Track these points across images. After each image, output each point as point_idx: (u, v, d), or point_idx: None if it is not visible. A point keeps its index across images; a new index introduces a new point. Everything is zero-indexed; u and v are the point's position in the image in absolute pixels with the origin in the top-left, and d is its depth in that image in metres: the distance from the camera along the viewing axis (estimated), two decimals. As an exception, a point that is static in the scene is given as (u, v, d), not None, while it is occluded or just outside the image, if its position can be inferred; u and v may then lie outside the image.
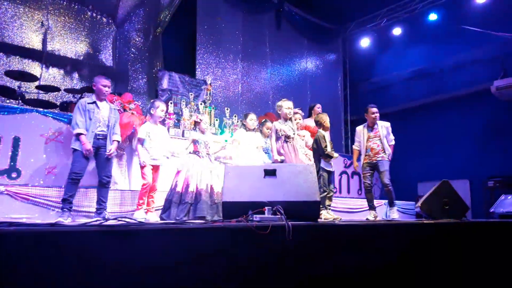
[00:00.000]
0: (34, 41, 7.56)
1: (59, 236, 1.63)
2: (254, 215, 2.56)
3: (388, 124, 5.44)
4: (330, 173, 5.04)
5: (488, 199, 7.59)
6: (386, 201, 7.81)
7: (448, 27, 9.46)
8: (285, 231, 2.16)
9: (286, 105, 4.92)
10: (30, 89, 6.98)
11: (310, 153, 5.45)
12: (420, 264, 2.94)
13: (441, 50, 9.74)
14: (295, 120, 5.43)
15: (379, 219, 5.32)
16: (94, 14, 8.32)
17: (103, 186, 4.19)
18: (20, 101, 6.18)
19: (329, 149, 4.97)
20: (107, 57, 8.44)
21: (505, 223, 4.26)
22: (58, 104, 6.87)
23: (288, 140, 4.88)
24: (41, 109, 5.12)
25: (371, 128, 5.37)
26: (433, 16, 9.89)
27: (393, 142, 5.36)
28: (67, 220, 3.81)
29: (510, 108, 8.31)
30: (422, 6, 9.99)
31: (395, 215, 5.22)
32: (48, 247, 1.58)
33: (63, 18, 7.90)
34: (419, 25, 10.30)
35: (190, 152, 5.01)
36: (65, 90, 7.31)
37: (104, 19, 8.45)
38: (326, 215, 4.80)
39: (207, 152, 5.05)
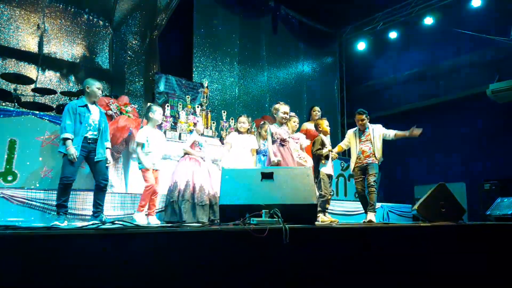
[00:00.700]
0: (30, 43, 7.54)
1: (56, 240, 1.62)
2: (251, 218, 2.55)
3: (379, 125, 5.40)
4: (330, 177, 5.10)
5: (485, 202, 7.61)
6: (383, 204, 7.90)
7: (443, 31, 9.51)
8: (282, 234, 2.16)
9: (282, 109, 4.93)
10: (26, 91, 6.96)
11: (305, 155, 5.49)
12: (417, 266, 2.94)
13: (437, 53, 9.80)
14: (294, 122, 5.47)
15: (376, 222, 5.32)
16: (91, 17, 8.31)
17: (100, 189, 4.14)
18: (16, 104, 6.15)
19: (322, 150, 5.07)
20: (103, 60, 8.43)
21: (501, 225, 4.28)
22: (54, 107, 6.86)
23: (284, 143, 4.89)
24: (37, 112, 5.10)
25: (362, 131, 5.36)
26: (429, 20, 9.94)
27: (395, 131, 5.30)
28: (63, 224, 3.78)
29: (505, 111, 8.36)
30: (418, 10, 10.04)
31: (373, 218, 5.08)
32: (45, 250, 1.57)
33: (60, 20, 7.89)
34: (415, 28, 10.35)
35: (186, 154, 5.05)
36: (61, 93, 7.29)
37: (101, 22, 8.44)
38: (323, 218, 4.82)
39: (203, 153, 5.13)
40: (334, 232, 2.75)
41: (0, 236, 1.53)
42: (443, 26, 9.60)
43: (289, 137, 4.99)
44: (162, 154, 4.96)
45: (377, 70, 11.26)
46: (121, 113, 5.45)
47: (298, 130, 6.15)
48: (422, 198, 4.93)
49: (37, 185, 4.75)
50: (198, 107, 7.17)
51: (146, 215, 4.58)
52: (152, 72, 8.31)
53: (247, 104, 9.70)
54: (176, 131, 6.37)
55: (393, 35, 10.81)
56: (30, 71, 7.47)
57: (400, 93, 10.57)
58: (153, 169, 4.68)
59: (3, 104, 6.37)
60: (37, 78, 7.34)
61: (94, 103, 4.23)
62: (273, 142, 4.84)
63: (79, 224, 4.12)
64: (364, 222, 5.17)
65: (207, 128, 6.91)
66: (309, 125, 6.41)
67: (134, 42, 8.60)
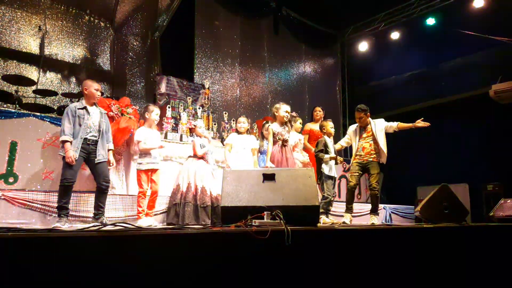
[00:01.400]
0: (31, 45, 7.54)
1: (57, 242, 1.61)
2: (253, 220, 2.54)
3: (381, 120, 5.29)
4: (333, 179, 5.08)
5: (488, 203, 7.58)
6: (385, 205, 7.87)
7: (446, 32, 9.48)
8: (284, 236, 2.14)
9: (284, 109, 4.91)
10: (27, 93, 6.97)
11: (307, 159, 5.51)
12: (420, 268, 2.92)
13: (439, 54, 9.76)
14: (300, 124, 5.49)
15: (378, 224, 5.27)
16: (92, 19, 8.31)
17: (102, 191, 4.13)
18: (17, 106, 6.15)
19: (332, 154, 5.05)
20: (104, 62, 8.43)
21: (504, 226, 4.25)
22: (56, 108, 6.86)
23: (285, 144, 4.88)
24: (38, 114, 5.09)
25: (363, 128, 5.24)
26: (430, 21, 9.91)
27: (398, 122, 5.22)
28: (64, 226, 3.77)
29: (508, 111, 8.32)
30: (420, 11, 10.02)
31: (373, 220, 5.00)
32: (46, 252, 1.55)
33: (61, 22, 7.89)
34: (417, 29, 10.31)
35: (189, 156, 5.06)
36: (63, 94, 7.30)
37: (102, 24, 8.44)
38: (325, 220, 4.80)
39: (204, 156, 5.11)
40: (337, 234, 2.72)
41: (1, 238, 1.52)
42: (445, 26, 9.56)
43: (289, 137, 4.99)
44: (160, 154, 4.96)
45: (379, 71, 11.23)
46: (122, 114, 5.44)
47: (301, 130, 6.16)
48: (425, 199, 4.90)
49: (38, 186, 4.74)
50: (199, 108, 7.16)
51: (144, 216, 4.59)
52: (153, 74, 8.31)
53: (249, 105, 9.68)
54: (177, 132, 6.36)
55: (395, 35, 10.77)
56: (31, 72, 7.48)
57: (402, 94, 10.53)
58: (153, 169, 4.68)
59: (5, 105, 6.37)
60: (38, 79, 7.34)
61: (94, 104, 4.23)
62: (275, 142, 4.82)
63: (80, 226, 4.11)
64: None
65: (208, 129, 6.89)
66: (312, 126, 6.42)
67: (135, 44, 8.60)
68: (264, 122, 5.79)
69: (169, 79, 7.57)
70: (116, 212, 4.71)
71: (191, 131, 5.22)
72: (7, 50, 7.24)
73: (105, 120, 4.28)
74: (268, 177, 3.02)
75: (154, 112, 4.83)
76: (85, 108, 4.11)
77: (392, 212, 7.81)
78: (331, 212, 5.06)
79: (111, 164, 4.25)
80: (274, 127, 4.87)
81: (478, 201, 8.24)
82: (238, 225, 2.46)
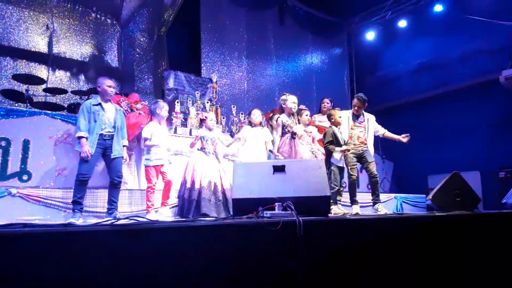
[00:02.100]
0: (40, 44, 7.61)
1: (72, 236, 1.64)
2: (265, 211, 2.55)
3: (372, 115, 5.22)
4: (341, 169, 5.02)
5: (500, 190, 7.51)
6: (396, 194, 7.84)
7: (454, 18, 9.35)
8: (296, 226, 2.15)
9: (291, 100, 4.88)
10: (37, 92, 7.04)
11: (317, 149, 5.45)
12: (433, 256, 2.92)
13: (448, 41, 9.63)
14: (306, 116, 5.44)
15: (389, 213, 5.26)
16: (98, 16, 8.35)
17: (114, 186, 4.20)
18: (28, 104, 6.22)
19: (342, 144, 4.97)
20: (112, 58, 8.48)
21: (517, 213, 4.21)
22: (66, 106, 6.92)
23: (294, 136, 4.85)
24: (49, 112, 5.15)
25: (356, 117, 5.14)
26: (438, 8, 9.78)
27: (385, 130, 5.18)
28: (78, 221, 3.83)
29: (519, 98, 8.22)
30: (427, -3, 9.90)
31: (384, 209, 4.95)
32: (62, 247, 1.58)
33: (68, 20, 7.94)
34: (424, 17, 10.20)
35: (198, 149, 5.05)
36: (72, 92, 7.36)
37: (109, 20, 8.48)
38: (336, 210, 4.79)
39: (214, 149, 5.08)
40: (348, 224, 2.73)
41: (18, 233, 1.55)
42: (453, 13, 9.44)
43: (296, 129, 4.96)
44: (168, 150, 4.98)
45: (387, 59, 11.12)
46: (131, 110, 5.49)
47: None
48: (436, 187, 4.87)
49: (52, 183, 4.81)
50: (207, 102, 7.18)
51: (156, 211, 4.62)
52: (161, 69, 8.34)
53: (256, 98, 9.67)
54: (186, 127, 6.39)
55: (402, 24, 10.66)
56: (41, 71, 7.55)
57: (411, 82, 10.44)
58: (160, 165, 4.71)
59: (16, 105, 6.45)
60: (47, 78, 7.41)
61: (108, 101, 4.28)
62: (283, 134, 4.80)
63: (93, 221, 4.17)
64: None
65: (217, 123, 6.91)
66: (319, 118, 6.38)
67: (142, 40, 8.63)
68: (272, 114, 5.77)
69: (176, 74, 7.60)
70: (129, 206, 4.76)
71: (202, 121, 5.20)
72: (16, 49, 7.32)
73: (121, 117, 4.34)
74: (278, 168, 3.02)
75: (164, 108, 4.85)
76: (99, 104, 4.17)
77: (403, 202, 7.77)
78: (341, 203, 5.04)
79: (124, 160, 4.32)
80: (283, 118, 4.84)
81: (490, 189, 8.18)
82: (250, 216, 2.47)
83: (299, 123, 5.23)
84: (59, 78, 7.83)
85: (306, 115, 5.51)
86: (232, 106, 7.50)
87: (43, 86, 7.00)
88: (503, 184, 7.65)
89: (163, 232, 1.90)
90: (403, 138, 5.02)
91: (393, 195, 7.80)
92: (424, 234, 3.00)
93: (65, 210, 4.29)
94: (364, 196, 7.31)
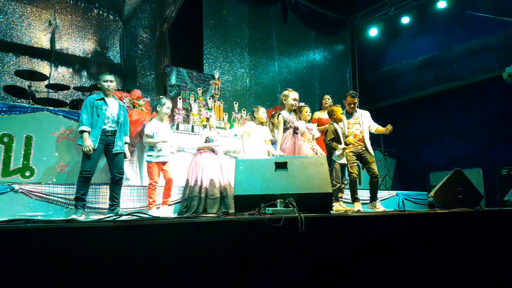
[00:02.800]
0: (42, 40, 7.61)
1: (75, 233, 1.64)
2: (266, 208, 2.56)
3: (367, 113, 5.22)
4: (343, 166, 5.02)
5: (502, 188, 7.49)
6: (398, 191, 7.84)
7: (457, 15, 9.30)
8: (298, 223, 2.15)
9: (292, 96, 4.87)
10: (40, 88, 7.05)
11: (317, 146, 5.46)
12: (435, 253, 2.92)
13: (451, 37, 9.58)
14: (306, 112, 5.42)
15: (391, 210, 5.26)
16: (101, 12, 8.34)
17: (116, 183, 4.21)
18: (31, 101, 6.24)
19: (343, 141, 4.97)
20: (114, 54, 8.48)
21: (520, 211, 4.20)
22: (68, 102, 6.93)
23: (296, 132, 4.85)
24: (52, 108, 5.16)
25: (350, 114, 5.16)
26: (442, 4, 9.72)
27: (377, 126, 5.16)
28: (81, 217, 3.85)
29: (522, 95, 8.18)
30: (430, -7, 9.84)
31: (381, 207, 4.98)
32: (64, 243, 1.59)
33: (70, 16, 7.94)
34: (428, 13, 10.13)
35: (200, 148, 5.08)
36: (75, 88, 7.37)
37: (111, 17, 8.47)
38: (338, 207, 4.79)
39: (217, 148, 5.14)
40: (350, 221, 2.73)
41: (21, 229, 1.56)
42: (456, 9, 9.38)
43: (298, 125, 4.96)
44: (171, 147, 4.99)
45: (390, 56, 11.09)
46: (134, 106, 5.49)
47: (310, 119, 6.11)
48: (438, 185, 4.86)
49: (54, 180, 4.83)
50: (209, 99, 7.17)
51: (157, 208, 4.63)
52: (163, 65, 8.32)
53: (259, 94, 9.66)
54: (188, 123, 6.39)
55: (405, 20, 10.60)
56: (43, 67, 7.56)
57: (414, 79, 10.39)
58: (162, 162, 4.72)
59: (18, 101, 6.47)
60: (50, 74, 7.42)
61: (112, 96, 4.31)
62: (285, 130, 4.79)
63: (96, 217, 4.18)
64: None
65: (219, 120, 6.91)
66: (320, 114, 6.37)
67: (144, 36, 8.61)
68: (274, 112, 5.76)
69: (179, 70, 7.59)
70: (131, 203, 4.78)
71: (207, 120, 5.24)
72: (18, 45, 7.32)
73: (124, 113, 4.37)
74: (280, 165, 3.03)
75: (165, 106, 4.86)
76: (102, 99, 4.20)
77: (405, 199, 7.77)
78: (343, 200, 5.04)
79: (125, 157, 4.33)
80: (284, 114, 4.84)
81: (492, 186, 8.15)
82: (251, 213, 2.48)
83: (300, 120, 5.23)
84: (61, 74, 7.83)
85: (306, 112, 5.50)
86: (234, 102, 7.49)
87: (46, 82, 7.01)
88: (505, 181, 7.62)
89: (165, 229, 1.90)
90: (386, 130, 5.02)
91: (395, 192, 7.81)
92: (426, 232, 2.99)
93: (68, 206, 4.32)
94: (365, 193, 7.30)
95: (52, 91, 7.17)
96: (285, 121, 4.78)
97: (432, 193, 4.76)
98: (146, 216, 2.17)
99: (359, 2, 10.91)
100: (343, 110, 5.20)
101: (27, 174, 4.71)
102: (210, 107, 6.81)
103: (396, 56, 10.84)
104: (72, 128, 5.06)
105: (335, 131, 4.94)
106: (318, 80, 10.96)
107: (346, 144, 4.94)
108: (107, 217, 2.22)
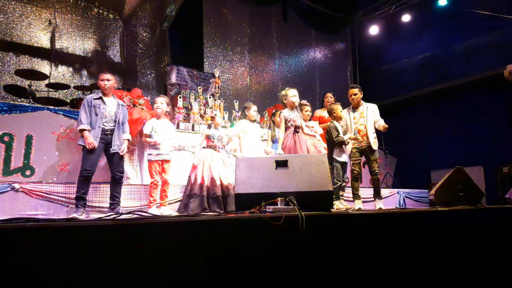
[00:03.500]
0: (42, 39, 7.61)
1: (76, 231, 1.64)
2: (267, 206, 2.55)
3: (375, 106, 5.09)
4: (344, 164, 5.02)
5: (503, 185, 7.49)
6: (399, 189, 7.83)
7: (458, 12, 9.28)
8: (299, 221, 2.15)
9: (291, 93, 4.85)
10: (40, 87, 7.05)
11: (318, 143, 5.44)
12: (436, 251, 2.91)
13: (452, 35, 9.57)
14: (306, 112, 5.42)
15: (392, 208, 5.25)
16: (101, 11, 8.33)
17: (116, 181, 4.21)
18: (31, 100, 6.24)
19: (343, 136, 4.95)
20: (115, 53, 8.47)
21: (521, 208, 4.19)
22: (68, 101, 6.93)
23: (298, 130, 4.84)
24: (52, 107, 5.16)
25: (355, 109, 5.10)
26: (442, 1, 9.70)
27: (383, 123, 4.94)
28: (81, 216, 3.85)
29: (523, 92, 8.16)
30: (431, -9, 9.82)
31: (382, 205, 4.97)
32: (65, 242, 1.59)
33: (70, 15, 7.93)
34: (428, 10, 10.12)
35: (204, 147, 5.06)
36: (75, 87, 7.37)
37: (111, 16, 8.46)
38: (338, 205, 4.79)
39: (223, 146, 5.13)
40: (351, 219, 2.73)
41: (22, 228, 1.56)
42: (457, 7, 9.36)
43: (300, 123, 4.96)
44: (172, 145, 4.98)
45: (390, 54, 11.07)
46: (134, 105, 5.49)
47: (311, 117, 6.11)
48: (439, 182, 4.85)
49: (55, 179, 4.83)
50: (210, 97, 7.17)
51: (157, 207, 4.63)
52: (163, 64, 8.33)
53: (259, 93, 9.66)
54: (189, 122, 6.38)
55: (406, 18, 10.59)
56: (43, 66, 7.56)
57: (415, 77, 10.38)
58: (163, 160, 4.72)
59: (19, 100, 6.47)
60: (50, 73, 7.41)
61: (111, 95, 4.31)
62: (287, 128, 4.79)
63: (96, 216, 4.18)
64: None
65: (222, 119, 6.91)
66: (322, 112, 6.37)
67: (144, 35, 8.61)
68: (274, 110, 5.76)
69: (179, 69, 7.59)
70: (132, 201, 4.78)
71: (212, 119, 5.24)
72: (18, 45, 7.32)
73: (123, 112, 4.36)
74: (281, 163, 3.02)
75: (155, 103, 4.90)
76: (100, 98, 4.20)
77: (406, 197, 7.77)
78: (344, 198, 5.04)
79: (121, 151, 4.26)
80: (285, 113, 4.83)
81: (493, 184, 8.15)
82: (252, 211, 2.47)
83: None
84: (61, 73, 7.83)
85: (307, 111, 5.51)
86: (235, 101, 7.49)
87: (46, 81, 7.01)
88: (506, 179, 7.62)
89: (166, 227, 1.90)
90: (381, 127, 4.95)
91: (396, 190, 7.80)
92: (427, 230, 2.99)
93: (68, 205, 4.32)
94: (366, 192, 7.31)
95: (52, 90, 7.17)
96: (286, 120, 4.77)
97: (433, 191, 4.75)
98: (147, 214, 2.16)
99: (359, 0, 10.89)
100: (349, 107, 5.17)
101: (28, 173, 4.71)
102: (210, 106, 6.80)
103: (397, 54, 10.83)
104: (73, 127, 5.06)
105: (336, 128, 4.95)
106: (319, 78, 10.96)
107: (341, 142, 4.93)
108: (107, 216, 2.22)
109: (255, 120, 5.52)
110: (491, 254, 3.24)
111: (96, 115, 4.11)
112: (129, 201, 4.74)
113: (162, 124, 4.87)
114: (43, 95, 6.90)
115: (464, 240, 3.14)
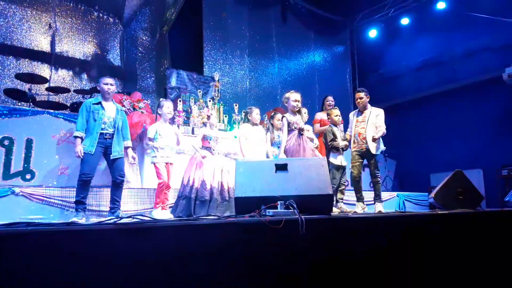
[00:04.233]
0: (42, 43, 7.62)
1: (76, 235, 1.65)
2: (267, 210, 2.55)
3: (380, 111, 5.04)
4: (341, 167, 5.04)
5: (503, 188, 7.49)
6: (399, 192, 7.83)
7: (457, 15, 9.32)
8: (298, 225, 2.15)
9: (293, 97, 4.85)
10: (40, 91, 7.06)
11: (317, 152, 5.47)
12: (435, 255, 2.91)
13: (451, 38, 9.60)
14: (305, 113, 5.43)
15: (392, 211, 5.25)
16: (101, 15, 8.36)
17: (117, 185, 4.19)
18: (31, 104, 6.24)
19: (339, 142, 4.98)
20: (115, 57, 8.49)
21: (520, 211, 4.20)
22: (69, 105, 6.93)
23: (302, 133, 4.84)
24: (52, 111, 5.17)
25: (361, 112, 5.10)
26: (441, 5, 9.74)
27: (382, 130, 4.86)
28: (81, 220, 3.84)
29: (522, 95, 8.19)
30: (430, -5, 9.85)
31: (382, 208, 4.93)
32: (65, 246, 1.59)
33: (70, 19, 7.95)
34: (427, 14, 10.16)
35: (201, 148, 5.04)
36: (75, 91, 7.38)
37: (111, 19, 8.49)
38: (342, 206, 4.82)
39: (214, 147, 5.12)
40: (350, 222, 2.73)
41: (21, 232, 1.56)
42: (456, 10, 9.40)
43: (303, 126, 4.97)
44: (176, 148, 4.98)
45: (390, 57, 11.10)
46: (134, 109, 5.50)
47: (311, 120, 6.12)
48: (438, 186, 4.86)
49: (55, 182, 4.83)
50: (210, 101, 7.18)
51: (162, 209, 4.63)
52: (163, 68, 8.34)
53: (259, 96, 9.67)
54: (189, 125, 6.39)
55: (405, 21, 10.63)
56: (43, 70, 7.57)
57: (414, 80, 10.41)
58: (167, 163, 4.72)
59: (19, 104, 6.47)
60: (50, 77, 7.42)
61: (110, 100, 4.27)
62: (290, 131, 4.78)
63: (96, 220, 4.18)
64: (354, 212, 5.06)
65: (219, 122, 6.91)
66: (322, 115, 6.38)
67: (144, 38, 8.63)
68: (273, 113, 5.77)
69: (179, 72, 7.60)
70: (132, 205, 4.78)
71: (208, 118, 5.23)
72: (19, 48, 7.33)
73: (122, 117, 4.31)
74: (281, 167, 3.02)
75: (164, 107, 4.85)
76: (99, 103, 4.16)
77: (405, 200, 7.77)
78: (345, 201, 5.05)
79: (132, 159, 4.33)
80: (288, 116, 4.83)
81: (493, 187, 8.16)
82: (252, 215, 2.48)
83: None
84: (61, 77, 7.84)
85: (305, 113, 5.52)
86: (235, 104, 7.50)
87: (46, 85, 7.02)
88: (506, 182, 7.63)
89: (166, 231, 1.90)
90: (371, 138, 4.89)
91: (395, 193, 7.80)
92: (426, 233, 2.99)
93: (68, 209, 4.31)
94: (366, 194, 7.29)
95: (52, 94, 7.18)
96: (289, 123, 4.77)
97: (432, 194, 4.76)
98: (147, 219, 2.17)
99: (358, 3, 10.93)
100: (356, 109, 5.17)
101: (28, 177, 4.71)
102: (210, 109, 6.81)
103: (396, 57, 10.86)
104: (73, 131, 5.03)
105: (333, 132, 5.00)
106: (318, 81, 10.98)
107: (335, 147, 4.95)
108: (107, 220, 2.22)
109: (257, 124, 5.50)
110: (491, 257, 3.24)
111: (95, 120, 4.07)
112: (129, 205, 4.74)
113: (166, 128, 4.86)
114: (43, 99, 6.91)
115: (464, 243, 3.14)
